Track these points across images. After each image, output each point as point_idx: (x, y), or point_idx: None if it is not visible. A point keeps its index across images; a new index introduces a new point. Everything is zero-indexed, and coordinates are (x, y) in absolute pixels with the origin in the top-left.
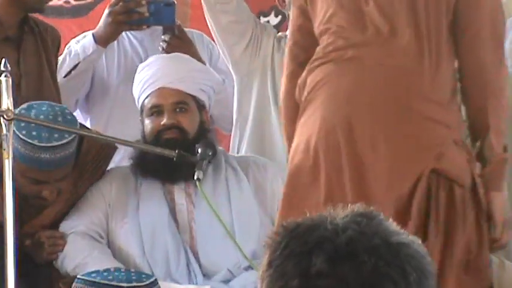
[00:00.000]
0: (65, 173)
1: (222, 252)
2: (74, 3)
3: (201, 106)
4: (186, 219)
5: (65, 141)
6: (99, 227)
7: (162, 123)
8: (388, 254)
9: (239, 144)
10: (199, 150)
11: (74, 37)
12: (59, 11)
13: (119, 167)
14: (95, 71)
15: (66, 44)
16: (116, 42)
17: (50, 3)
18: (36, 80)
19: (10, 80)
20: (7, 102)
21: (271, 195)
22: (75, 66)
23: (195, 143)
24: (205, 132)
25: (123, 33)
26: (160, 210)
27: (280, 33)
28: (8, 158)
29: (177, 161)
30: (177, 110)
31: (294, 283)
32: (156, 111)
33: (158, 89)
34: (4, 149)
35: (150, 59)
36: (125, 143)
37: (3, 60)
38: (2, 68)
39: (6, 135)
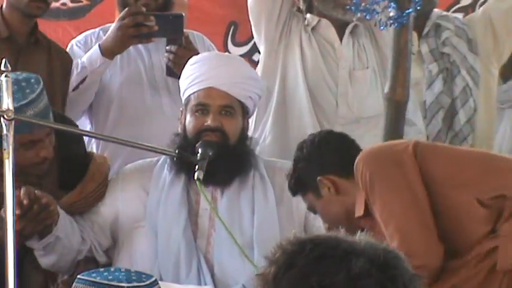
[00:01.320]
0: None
1: (238, 264)
2: (71, 5)
3: (245, 113)
4: (207, 225)
5: (37, 91)
6: (96, 238)
7: (206, 123)
8: (413, 284)
9: (262, 120)
10: (200, 150)
11: (71, 39)
12: (55, 13)
13: (136, 163)
14: None
15: (62, 46)
16: None
17: None
18: None
19: (10, 80)
20: (7, 102)
21: (296, 205)
22: (83, 80)
23: (234, 149)
24: (245, 139)
25: None
26: (179, 215)
27: (308, 16)
28: (8, 158)
29: (212, 164)
30: (223, 112)
31: (338, 278)
32: (201, 109)
33: (207, 88)
34: (4, 149)
35: (205, 55)
36: (125, 143)
37: (4, 60)
38: (3, 68)
39: (7, 135)
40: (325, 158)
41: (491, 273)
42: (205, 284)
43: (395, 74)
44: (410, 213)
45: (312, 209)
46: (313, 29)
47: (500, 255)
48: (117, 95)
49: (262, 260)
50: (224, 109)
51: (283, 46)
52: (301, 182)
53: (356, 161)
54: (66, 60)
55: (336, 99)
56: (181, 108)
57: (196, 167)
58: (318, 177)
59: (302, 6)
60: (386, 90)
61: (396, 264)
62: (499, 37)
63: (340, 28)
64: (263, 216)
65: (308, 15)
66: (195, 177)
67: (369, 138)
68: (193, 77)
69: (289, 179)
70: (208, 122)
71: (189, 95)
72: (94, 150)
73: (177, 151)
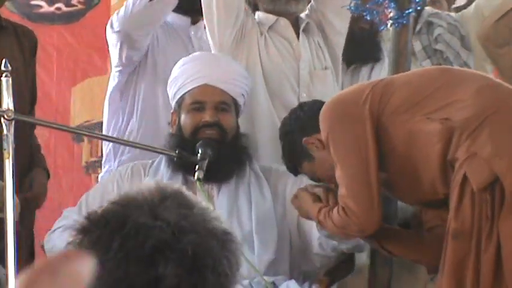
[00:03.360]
0: None
1: None
2: (65, 9)
3: (237, 111)
4: None
5: None
6: None
7: (203, 120)
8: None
9: None
10: (200, 150)
11: (66, 43)
12: (50, 18)
13: (131, 164)
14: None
15: (57, 50)
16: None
17: (41, 10)
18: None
19: (10, 80)
20: (7, 102)
21: (290, 204)
22: None
23: (232, 144)
24: (240, 135)
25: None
26: None
27: (259, 15)
28: (9, 158)
29: (210, 162)
30: (219, 108)
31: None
32: (197, 107)
33: (202, 85)
34: (4, 149)
35: (194, 55)
36: (126, 143)
37: (4, 60)
38: (3, 68)
39: (7, 135)
40: (303, 122)
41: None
42: None
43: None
44: (357, 176)
45: (314, 178)
46: (269, 28)
47: (471, 179)
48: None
49: (263, 250)
50: (220, 105)
51: (238, 51)
52: (293, 155)
53: (320, 114)
54: (33, 39)
55: (299, 99)
56: (171, 111)
57: (197, 166)
58: (303, 140)
59: (247, 7)
60: None
61: (203, 255)
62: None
63: (295, 27)
64: (261, 211)
65: (261, 14)
66: (195, 177)
67: None
68: (186, 76)
69: (285, 161)
70: (206, 117)
71: (183, 94)
72: None
73: (177, 151)
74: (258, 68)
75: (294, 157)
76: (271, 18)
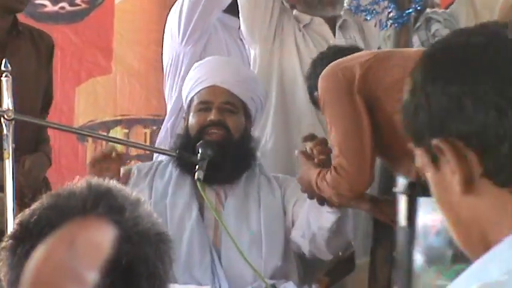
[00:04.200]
0: None
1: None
2: (69, 9)
3: (248, 115)
4: (213, 216)
5: None
6: None
7: (208, 118)
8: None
9: (260, 123)
10: (200, 151)
11: (70, 43)
12: (54, 17)
13: (145, 163)
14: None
15: (61, 50)
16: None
17: (45, 9)
18: (21, 83)
19: (10, 80)
20: (7, 102)
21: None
22: None
23: (238, 146)
24: (249, 138)
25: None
26: (189, 204)
27: (295, 12)
28: (9, 158)
29: (216, 162)
30: (226, 109)
31: None
32: (204, 107)
33: (210, 86)
34: (4, 149)
35: (207, 59)
36: (126, 143)
37: (4, 60)
38: (3, 68)
39: (7, 135)
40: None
41: None
42: (219, 274)
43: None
44: (350, 136)
45: None
46: (305, 26)
47: None
48: None
49: (270, 256)
50: (226, 106)
51: (278, 45)
52: (313, 99)
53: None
54: (50, 43)
55: None
56: (183, 115)
57: (197, 167)
58: (315, 94)
59: (286, 3)
60: None
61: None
62: (481, 18)
63: (331, 24)
64: (270, 211)
65: (296, 12)
66: (195, 177)
67: None
68: (195, 79)
69: (311, 101)
70: (211, 117)
71: (192, 97)
72: None
73: (177, 151)
74: (296, 62)
75: (315, 102)
76: (307, 17)
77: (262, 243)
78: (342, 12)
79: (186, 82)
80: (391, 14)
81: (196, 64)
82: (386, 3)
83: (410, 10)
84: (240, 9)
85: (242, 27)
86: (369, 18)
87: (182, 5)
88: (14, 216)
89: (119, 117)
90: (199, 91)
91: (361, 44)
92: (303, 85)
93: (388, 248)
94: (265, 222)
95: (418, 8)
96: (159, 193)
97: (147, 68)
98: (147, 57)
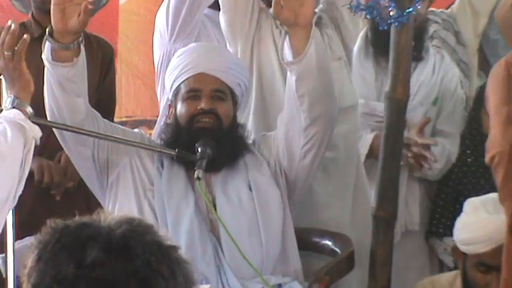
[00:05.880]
0: None
1: (245, 243)
2: None
3: (235, 101)
4: (205, 207)
5: None
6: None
7: (199, 107)
8: (160, 253)
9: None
10: (199, 149)
11: None
12: None
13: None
14: None
15: None
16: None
17: None
18: None
19: None
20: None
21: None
22: None
23: (228, 133)
24: (237, 125)
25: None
26: (186, 191)
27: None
28: None
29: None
30: (215, 97)
31: (69, 271)
32: (193, 95)
33: (198, 73)
34: None
35: (191, 45)
36: (126, 142)
37: None
38: None
39: None
40: None
41: None
42: (224, 266)
43: (396, 73)
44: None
45: None
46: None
47: None
48: None
49: (269, 241)
50: (216, 93)
51: (256, 42)
52: None
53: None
54: (109, 51)
55: None
56: (168, 102)
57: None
58: None
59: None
60: (387, 89)
61: (135, 244)
62: (479, 13)
63: None
64: (262, 190)
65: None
66: (195, 176)
67: (347, 128)
68: (182, 66)
69: None
70: (202, 105)
71: (179, 84)
72: None
73: (176, 150)
74: (274, 59)
75: None
76: None
77: (260, 229)
78: (316, 10)
79: (171, 70)
80: (391, 13)
81: (180, 51)
82: (386, 2)
83: (411, 9)
84: (221, 7)
85: (222, 25)
86: (369, 17)
87: (169, 2)
88: (14, 215)
89: (124, 119)
90: (186, 79)
91: (337, 42)
92: (281, 79)
93: (388, 248)
94: (259, 203)
95: (419, 7)
96: (151, 174)
97: (152, 69)
98: (152, 58)
